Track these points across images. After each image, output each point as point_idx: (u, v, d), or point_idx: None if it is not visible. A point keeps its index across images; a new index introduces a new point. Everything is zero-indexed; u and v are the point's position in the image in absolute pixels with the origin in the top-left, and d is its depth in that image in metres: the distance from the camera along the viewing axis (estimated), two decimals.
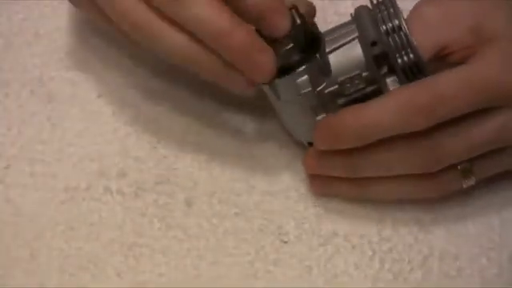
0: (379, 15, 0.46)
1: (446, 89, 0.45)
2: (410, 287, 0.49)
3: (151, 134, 0.53)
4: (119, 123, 0.53)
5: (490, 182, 0.50)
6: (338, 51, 0.47)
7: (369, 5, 0.48)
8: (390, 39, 0.46)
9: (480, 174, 0.48)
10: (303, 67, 0.47)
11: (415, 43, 0.46)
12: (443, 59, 0.48)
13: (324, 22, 0.52)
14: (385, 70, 0.47)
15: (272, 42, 0.46)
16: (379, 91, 0.47)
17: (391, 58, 0.46)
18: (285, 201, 0.52)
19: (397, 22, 0.46)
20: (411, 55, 0.46)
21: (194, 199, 0.51)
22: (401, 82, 0.46)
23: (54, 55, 0.55)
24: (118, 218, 0.51)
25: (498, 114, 0.46)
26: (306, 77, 0.47)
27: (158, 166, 0.52)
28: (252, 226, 0.51)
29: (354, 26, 0.47)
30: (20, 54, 0.55)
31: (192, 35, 0.45)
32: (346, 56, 0.47)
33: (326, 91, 0.48)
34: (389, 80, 0.47)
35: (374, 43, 0.46)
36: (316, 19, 0.51)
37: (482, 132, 0.46)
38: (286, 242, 0.50)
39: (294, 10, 0.47)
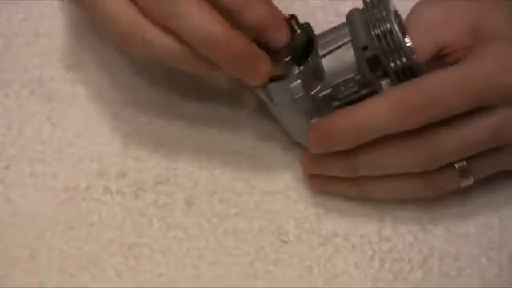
0: (371, 18, 0.46)
1: (438, 88, 0.45)
2: (410, 287, 0.49)
3: (151, 134, 0.53)
4: (119, 123, 0.53)
5: (490, 182, 0.51)
6: (331, 55, 0.47)
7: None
8: (382, 43, 0.46)
9: (478, 173, 0.48)
10: (296, 72, 0.47)
11: (409, 45, 0.46)
12: (442, 59, 0.48)
13: (325, 21, 0.52)
14: (379, 72, 0.46)
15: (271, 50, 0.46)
16: (374, 94, 0.47)
17: (383, 62, 0.46)
18: (285, 201, 0.52)
19: (388, 25, 0.46)
20: (403, 59, 0.46)
21: (194, 199, 0.51)
22: (394, 85, 0.46)
23: (53, 55, 0.55)
24: (118, 218, 0.51)
25: (493, 114, 0.46)
26: (299, 81, 0.47)
27: (157, 166, 0.52)
28: (252, 226, 0.51)
29: (346, 30, 0.47)
30: (20, 53, 0.55)
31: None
32: (339, 59, 0.47)
33: (320, 95, 0.48)
34: (383, 82, 0.46)
35: (365, 48, 0.46)
36: (316, 19, 0.51)
37: (477, 131, 0.46)
38: (285, 242, 0.50)
39: (293, 21, 0.47)
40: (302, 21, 0.48)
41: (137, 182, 0.52)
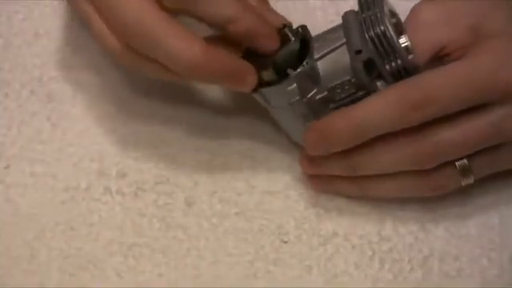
0: (365, 20, 0.46)
1: (436, 86, 0.45)
2: (410, 287, 0.49)
3: (151, 134, 0.53)
4: (119, 123, 0.53)
5: (491, 183, 0.50)
6: (326, 57, 0.47)
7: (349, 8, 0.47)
8: (376, 46, 0.45)
9: (478, 171, 0.48)
10: (292, 76, 0.47)
11: (405, 45, 0.46)
12: (442, 59, 0.48)
13: (325, 21, 0.52)
14: (375, 74, 0.46)
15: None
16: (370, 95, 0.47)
17: (378, 65, 0.46)
18: (285, 201, 0.52)
19: (382, 27, 0.45)
20: (398, 61, 0.46)
21: (194, 199, 0.51)
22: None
23: (53, 55, 0.55)
24: (118, 218, 0.51)
25: (492, 110, 0.46)
26: (294, 85, 0.47)
27: (157, 165, 0.52)
28: (252, 226, 0.51)
29: (342, 32, 0.47)
30: (20, 53, 0.55)
31: None
32: (334, 62, 0.47)
33: (317, 98, 0.48)
34: (379, 84, 0.46)
35: (358, 51, 0.46)
36: (316, 19, 0.51)
37: (476, 128, 0.46)
38: (285, 242, 0.50)
39: (286, 29, 0.47)
40: (302, 21, 0.48)
41: (137, 181, 0.52)
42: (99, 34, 0.46)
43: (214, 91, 0.54)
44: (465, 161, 0.47)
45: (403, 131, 0.46)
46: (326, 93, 0.47)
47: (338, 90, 0.47)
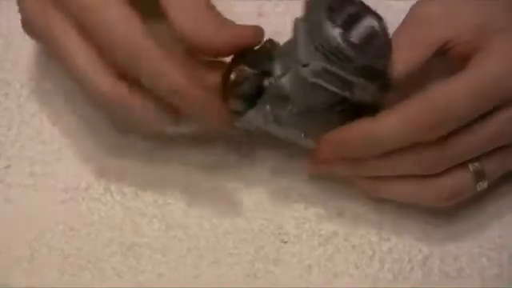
0: (311, 28, 0.44)
1: (451, 103, 0.44)
2: (410, 287, 0.49)
3: (151, 133, 0.53)
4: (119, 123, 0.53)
5: (491, 182, 0.50)
6: (289, 73, 0.46)
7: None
8: (325, 55, 0.44)
9: (491, 174, 0.48)
10: (259, 101, 0.46)
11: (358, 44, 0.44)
12: (445, 53, 0.48)
13: None
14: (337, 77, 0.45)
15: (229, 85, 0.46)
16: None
17: (334, 71, 0.44)
18: (285, 201, 0.52)
19: (323, 35, 0.43)
20: (355, 63, 0.44)
21: (194, 199, 0.51)
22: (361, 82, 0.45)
23: None
24: (118, 218, 0.51)
25: (500, 113, 0.46)
26: (267, 107, 0.46)
27: (157, 165, 0.52)
28: (252, 226, 0.51)
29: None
30: (20, 53, 0.55)
31: None
32: (297, 77, 0.45)
33: (295, 111, 0.47)
34: (359, 80, 0.45)
35: (305, 65, 0.44)
36: None
37: (486, 129, 0.46)
38: (285, 242, 0.50)
39: (242, 65, 0.46)
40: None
41: (137, 181, 0.52)
42: (83, 67, 0.45)
43: None
44: (477, 164, 0.47)
45: None
46: (301, 106, 0.46)
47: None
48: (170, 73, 0.44)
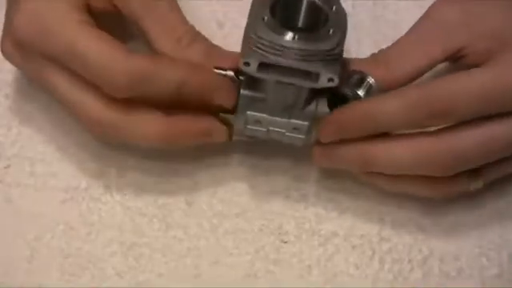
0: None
1: (456, 98, 0.44)
2: (410, 287, 0.49)
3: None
4: None
5: (491, 182, 0.50)
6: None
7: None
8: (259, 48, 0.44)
9: (488, 176, 0.48)
10: (237, 111, 0.47)
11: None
12: (457, 60, 0.47)
13: None
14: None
15: None
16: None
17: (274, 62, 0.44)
18: (285, 201, 0.52)
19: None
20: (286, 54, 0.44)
21: (194, 199, 0.51)
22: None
23: None
24: (118, 218, 0.51)
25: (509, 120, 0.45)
26: (249, 113, 0.47)
27: (158, 165, 0.52)
28: (252, 226, 0.51)
29: None
30: None
31: None
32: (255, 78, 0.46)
33: (276, 112, 0.47)
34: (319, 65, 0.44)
35: (246, 63, 0.44)
36: None
37: (497, 137, 0.45)
38: (285, 242, 0.50)
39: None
40: None
41: (137, 181, 0.52)
42: (77, 97, 0.47)
43: None
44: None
45: (423, 135, 0.46)
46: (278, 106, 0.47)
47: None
48: (170, 70, 0.45)
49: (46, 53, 0.45)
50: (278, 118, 0.47)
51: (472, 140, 0.45)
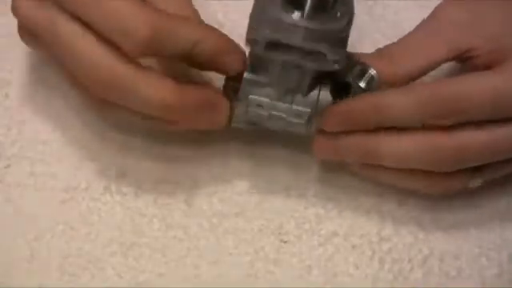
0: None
1: (469, 97, 0.44)
2: (410, 287, 0.49)
3: (151, 133, 0.53)
4: (119, 123, 0.53)
5: (491, 182, 0.50)
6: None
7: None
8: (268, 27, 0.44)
9: (488, 174, 0.48)
10: (239, 95, 0.47)
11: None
12: (465, 61, 0.47)
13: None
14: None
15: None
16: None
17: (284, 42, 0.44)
18: (285, 201, 0.52)
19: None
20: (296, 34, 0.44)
21: (194, 199, 0.51)
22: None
23: None
24: (118, 218, 0.51)
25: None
26: (251, 97, 0.47)
27: (157, 165, 0.52)
28: (252, 226, 0.51)
29: None
30: (20, 53, 0.55)
31: None
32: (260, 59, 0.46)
33: (277, 96, 0.47)
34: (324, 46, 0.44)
35: (254, 41, 0.44)
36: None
37: (501, 139, 0.45)
38: (285, 242, 0.50)
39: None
40: None
41: (137, 181, 0.52)
42: (89, 50, 0.46)
43: None
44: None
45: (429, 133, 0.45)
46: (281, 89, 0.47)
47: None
48: (189, 28, 0.45)
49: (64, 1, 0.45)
50: (280, 103, 0.47)
51: (477, 140, 0.45)
